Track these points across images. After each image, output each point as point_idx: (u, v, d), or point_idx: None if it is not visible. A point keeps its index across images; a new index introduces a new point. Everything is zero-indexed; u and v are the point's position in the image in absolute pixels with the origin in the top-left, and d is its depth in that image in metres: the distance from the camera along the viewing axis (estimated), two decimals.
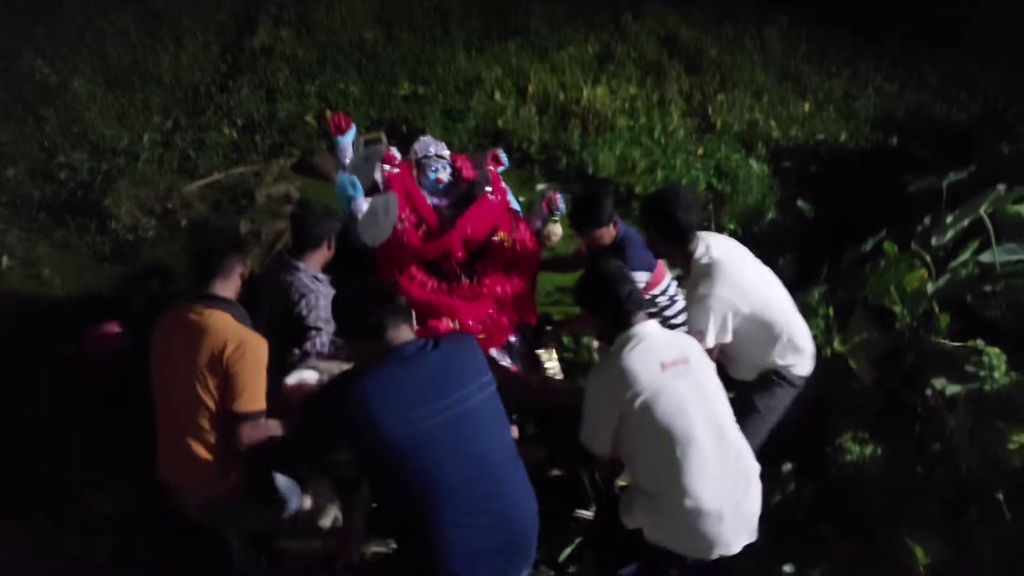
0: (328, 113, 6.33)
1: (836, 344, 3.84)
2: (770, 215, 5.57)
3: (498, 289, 3.62)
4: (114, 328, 4.08)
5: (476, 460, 2.12)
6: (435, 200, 3.96)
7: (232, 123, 6.41)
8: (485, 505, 2.11)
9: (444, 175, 3.99)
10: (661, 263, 3.63)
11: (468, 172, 4.03)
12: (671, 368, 2.39)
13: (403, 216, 3.70)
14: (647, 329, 2.48)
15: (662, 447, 2.35)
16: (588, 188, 3.25)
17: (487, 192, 3.89)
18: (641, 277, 3.45)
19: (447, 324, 3.47)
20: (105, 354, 3.97)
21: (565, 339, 4.23)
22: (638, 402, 2.34)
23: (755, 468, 2.50)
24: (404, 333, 2.23)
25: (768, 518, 2.56)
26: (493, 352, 3.58)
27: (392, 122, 6.50)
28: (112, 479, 3.41)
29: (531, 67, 7.43)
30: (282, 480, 2.72)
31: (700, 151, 6.41)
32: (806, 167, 6.33)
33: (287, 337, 3.16)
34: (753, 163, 6.21)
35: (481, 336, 3.47)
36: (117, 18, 7.56)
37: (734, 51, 8.23)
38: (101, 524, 3.27)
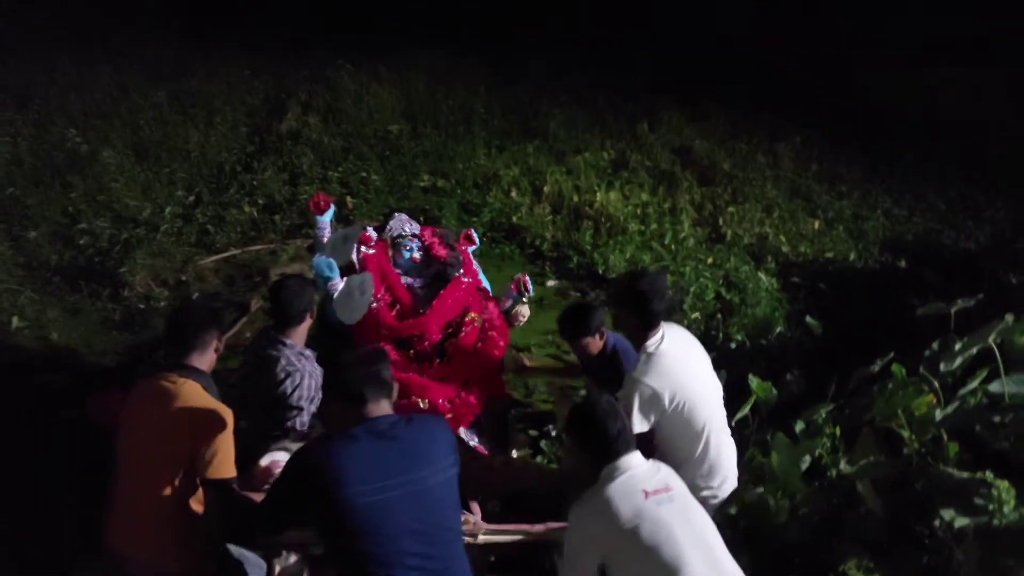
0: (348, 198, 6.48)
1: (842, 465, 3.77)
2: (779, 329, 5.58)
3: (467, 369, 3.76)
4: (119, 396, 4.06)
5: (430, 534, 2.22)
6: (408, 280, 4.15)
7: (254, 202, 6.57)
8: (422, 569, 2.19)
9: (417, 254, 4.22)
10: None
11: (439, 251, 4.22)
12: (654, 496, 2.41)
13: (378, 296, 3.86)
14: (631, 461, 2.51)
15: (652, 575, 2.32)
16: (577, 302, 3.48)
17: (460, 276, 4.10)
18: None
19: (417, 403, 3.56)
20: (109, 422, 3.93)
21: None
22: (623, 532, 2.34)
23: None
24: (383, 407, 2.33)
25: None
26: (461, 432, 3.65)
27: (410, 212, 6.62)
28: (97, 551, 3.31)
29: (548, 168, 7.63)
30: (251, 556, 2.79)
31: (710, 260, 6.49)
32: (815, 283, 6.38)
33: (271, 414, 3.20)
34: (762, 276, 6.26)
35: (449, 416, 3.56)
36: (152, 94, 7.85)
37: (747, 165, 8.43)
38: None
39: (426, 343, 3.87)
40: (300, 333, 3.32)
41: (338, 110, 8.18)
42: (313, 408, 3.22)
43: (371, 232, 4.18)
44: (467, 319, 3.99)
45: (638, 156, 8.26)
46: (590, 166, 7.84)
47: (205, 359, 2.79)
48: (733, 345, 5.43)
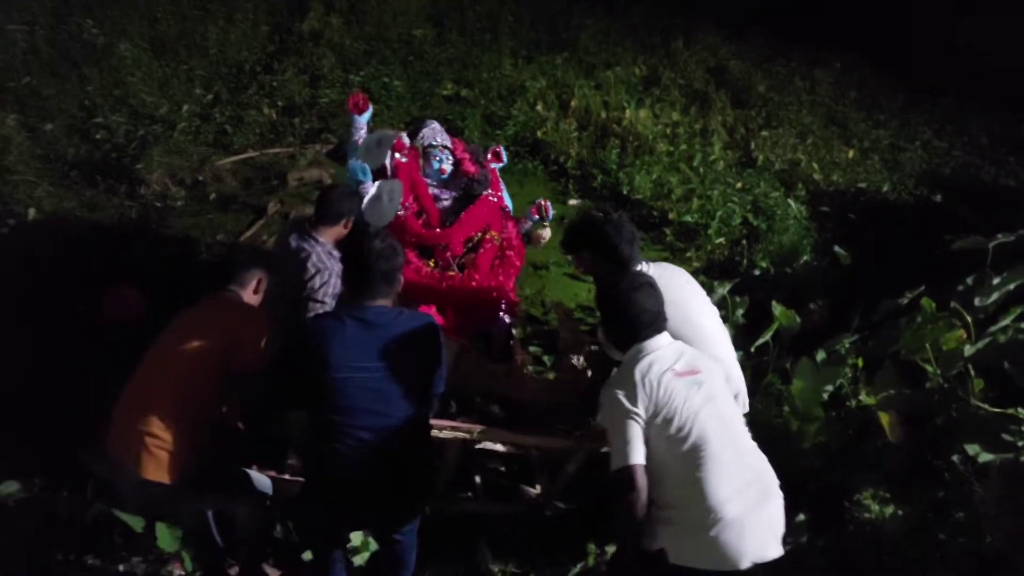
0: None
1: (863, 396, 3.71)
2: (805, 257, 5.44)
3: (484, 282, 3.91)
4: (134, 293, 4.07)
5: (383, 414, 2.47)
6: (436, 191, 4.27)
7: (273, 104, 6.41)
8: (370, 443, 2.47)
9: (447, 166, 4.30)
10: None
11: (468, 167, 4.30)
12: (681, 378, 2.48)
13: (406, 205, 4.02)
14: (659, 342, 2.57)
15: (676, 450, 2.39)
16: (581, 216, 3.34)
17: (487, 194, 4.22)
18: None
19: (432, 310, 3.70)
20: (123, 318, 3.94)
21: None
22: (650, 408, 2.42)
23: (774, 480, 2.46)
24: (378, 301, 2.53)
25: (777, 567, 2.43)
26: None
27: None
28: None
29: (576, 82, 7.38)
30: (257, 477, 2.95)
31: (739, 185, 6.30)
32: (845, 213, 6.19)
33: (295, 306, 3.28)
34: (791, 203, 6.08)
35: (462, 324, 3.77)
36: None
37: (783, 89, 8.14)
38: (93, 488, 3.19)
39: (448, 254, 4.04)
40: (332, 234, 3.40)
41: (361, 11, 7.89)
42: (333, 304, 3.30)
43: (405, 139, 4.22)
44: (487, 236, 4.13)
45: (671, 74, 7.97)
46: (620, 81, 7.57)
47: (244, 293, 2.94)
48: (757, 272, 5.32)
